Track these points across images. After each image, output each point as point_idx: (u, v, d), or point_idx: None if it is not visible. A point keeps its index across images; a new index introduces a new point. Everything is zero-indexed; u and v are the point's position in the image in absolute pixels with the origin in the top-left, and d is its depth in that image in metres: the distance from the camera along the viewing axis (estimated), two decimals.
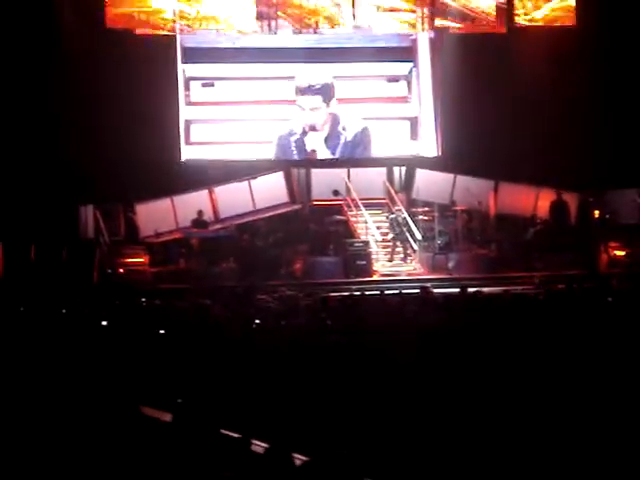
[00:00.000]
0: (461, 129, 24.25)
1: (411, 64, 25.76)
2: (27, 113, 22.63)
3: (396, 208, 23.54)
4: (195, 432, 5.89)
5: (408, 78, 25.90)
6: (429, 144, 25.63)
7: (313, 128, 25.04)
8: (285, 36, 25.15)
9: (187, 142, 25.00)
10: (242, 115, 25.21)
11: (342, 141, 25.18)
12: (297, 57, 25.27)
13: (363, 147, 25.33)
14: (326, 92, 25.00)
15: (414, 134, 25.77)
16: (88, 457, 5.36)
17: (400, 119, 25.92)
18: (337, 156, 25.08)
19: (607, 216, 23.69)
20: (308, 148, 25.09)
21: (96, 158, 22.15)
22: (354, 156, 25.19)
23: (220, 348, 9.68)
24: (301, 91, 25.02)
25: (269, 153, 25.14)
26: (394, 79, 25.98)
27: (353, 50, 25.43)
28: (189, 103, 25.17)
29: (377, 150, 25.48)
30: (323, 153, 25.14)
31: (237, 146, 25.16)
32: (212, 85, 25.30)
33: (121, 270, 21.85)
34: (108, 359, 9.53)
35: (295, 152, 25.11)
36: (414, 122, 25.83)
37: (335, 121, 25.19)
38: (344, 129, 25.21)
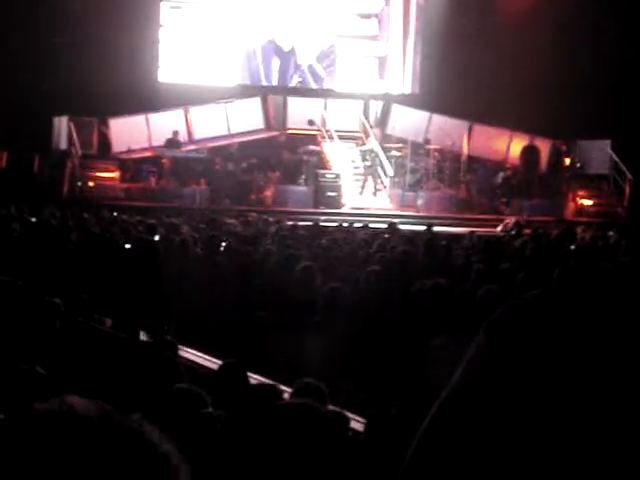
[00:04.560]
0: (440, 68, 24.24)
1: (383, 1, 25.94)
2: (8, 19, 22.35)
3: (369, 140, 23.59)
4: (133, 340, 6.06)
5: (379, 16, 25.99)
6: (396, 83, 25.89)
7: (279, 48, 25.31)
8: None
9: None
10: (208, 39, 25.25)
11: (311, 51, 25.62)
12: None
13: (330, 61, 25.53)
14: None
15: (382, 73, 26.00)
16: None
17: (369, 57, 26.18)
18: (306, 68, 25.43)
19: (578, 165, 23.87)
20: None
21: (73, 71, 21.94)
22: (321, 67, 25.63)
23: (185, 266, 9.80)
24: None
25: (236, 78, 25.27)
26: (366, 16, 26.04)
27: None
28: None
29: (345, 86, 25.67)
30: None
31: (204, 69, 25.25)
32: (179, 7, 25.26)
33: (91, 184, 21.85)
34: (71, 267, 9.60)
35: (263, 65, 25.35)
36: (382, 61, 26.02)
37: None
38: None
